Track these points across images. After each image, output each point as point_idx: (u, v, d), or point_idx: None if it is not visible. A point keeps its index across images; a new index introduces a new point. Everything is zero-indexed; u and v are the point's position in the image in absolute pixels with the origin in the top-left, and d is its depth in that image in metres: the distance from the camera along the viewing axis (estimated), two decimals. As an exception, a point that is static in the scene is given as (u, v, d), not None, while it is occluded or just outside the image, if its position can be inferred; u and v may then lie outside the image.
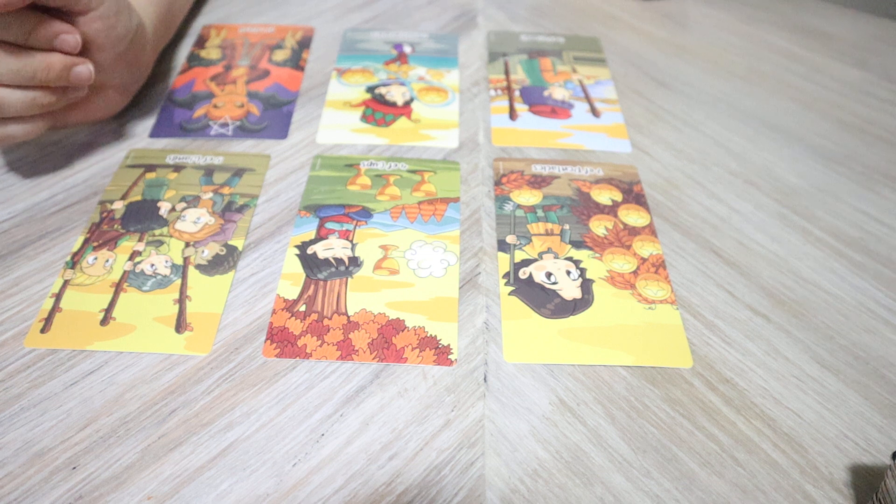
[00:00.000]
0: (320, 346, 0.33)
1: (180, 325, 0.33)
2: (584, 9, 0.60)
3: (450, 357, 0.33)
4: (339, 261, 0.37)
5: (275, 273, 0.36)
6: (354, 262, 0.37)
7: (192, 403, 0.30)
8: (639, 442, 0.30)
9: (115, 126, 0.46)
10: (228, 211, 0.40)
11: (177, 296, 0.35)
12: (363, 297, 0.35)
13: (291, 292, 0.35)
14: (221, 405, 0.30)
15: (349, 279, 0.36)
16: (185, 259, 0.37)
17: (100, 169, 0.42)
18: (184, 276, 0.36)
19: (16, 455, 0.29)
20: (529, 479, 0.28)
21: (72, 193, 0.41)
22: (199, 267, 0.36)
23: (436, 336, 0.33)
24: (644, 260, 0.37)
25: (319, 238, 0.38)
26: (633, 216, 0.40)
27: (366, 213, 0.40)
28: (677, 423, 0.30)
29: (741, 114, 0.49)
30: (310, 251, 0.37)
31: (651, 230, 0.39)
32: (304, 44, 0.55)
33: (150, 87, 0.49)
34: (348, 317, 0.34)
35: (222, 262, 0.37)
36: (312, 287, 0.35)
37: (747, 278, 0.37)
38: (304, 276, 0.36)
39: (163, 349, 0.32)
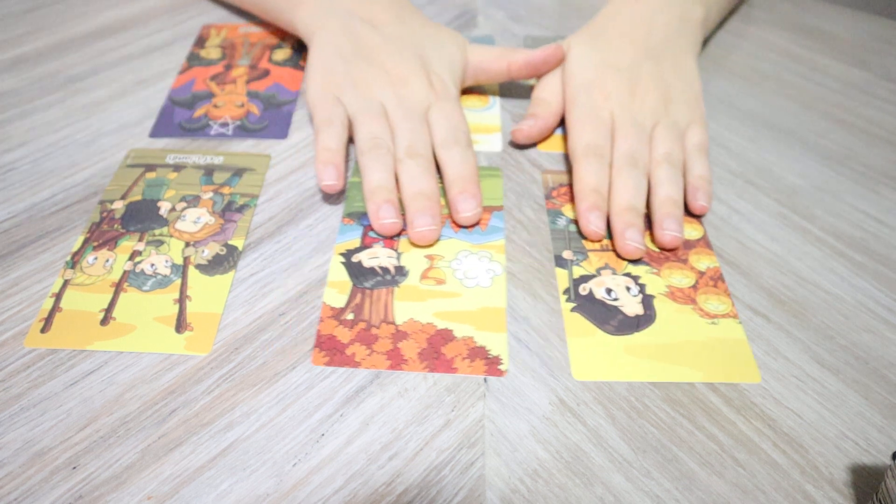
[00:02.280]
0: (369, 355, 0.32)
1: (180, 325, 0.33)
2: (585, 9, 0.60)
3: (500, 367, 0.32)
4: (385, 270, 0.36)
5: (275, 273, 0.36)
6: (400, 271, 0.36)
7: (192, 403, 0.30)
8: (639, 442, 0.30)
9: (115, 126, 0.46)
10: (228, 211, 0.40)
11: (177, 296, 0.35)
12: (410, 307, 0.35)
13: (338, 300, 0.35)
14: (221, 405, 0.30)
15: (395, 288, 0.35)
16: (185, 259, 0.37)
17: (100, 169, 0.42)
18: (184, 276, 0.36)
19: (16, 455, 0.29)
20: (529, 479, 0.28)
21: (72, 193, 0.41)
22: (199, 267, 0.36)
23: (485, 346, 0.33)
24: (702, 274, 0.37)
25: (364, 246, 0.38)
26: (687, 229, 0.39)
27: None
28: (677, 423, 0.30)
29: (741, 114, 0.49)
30: (355, 259, 0.37)
31: (706, 242, 0.38)
32: (305, 44, 0.54)
33: (150, 86, 0.49)
34: (396, 326, 0.34)
35: (222, 261, 0.37)
36: (359, 295, 0.35)
37: (747, 278, 0.37)
38: (350, 284, 0.36)
39: (163, 349, 0.32)
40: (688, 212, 0.40)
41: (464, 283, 0.36)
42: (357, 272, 0.36)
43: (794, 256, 0.38)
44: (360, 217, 0.39)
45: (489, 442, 0.30)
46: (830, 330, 0.34)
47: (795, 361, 0.33)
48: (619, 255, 0.37)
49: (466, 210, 0.38)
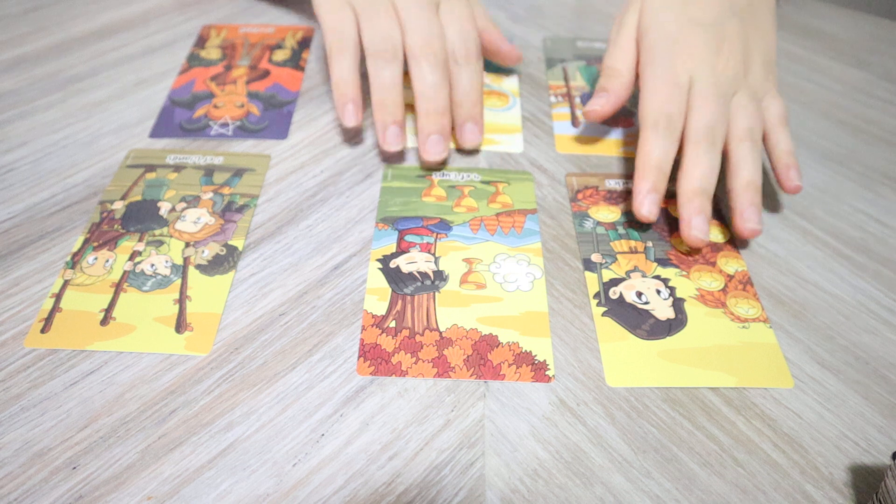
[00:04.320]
0: (415, 363, 0.32)
1: (180, 325, 0.33)
2: (585, 9, 0.60)
3: (547, 373, 0.32)
4: (424, 275, 0.36)
5: (275, 273, 0.36)
6: (440, 276, 0.36)
7: (192, 403, 0.30)
8: (639, 442, 0.30)
9: (115, 126, 0.46)
10: (228, 211, 0.40)
11: (177, 296, 0.35)
12: (453, 313, 0.34)
13: (379, 308, 0.34)
14: (221, 405, 0.30)
15: (436, 294, 0.35)
16: (185, 259, 0.37)
17: (100, 169, 0.42)
18: (184, 276, 0.36)
19: (16, 455, 0.29)
20: (529, 479, 0.28)
21: (72, 193, 0.41)
22: (199, 267, 0.36)
23: (530, 352, 0.33)
24: (731, 277, 0.36)
25: (401, 251, 0.37)
26: (714, 231, 0.39)
27: (445, 226, 0.39)
28: (677, 423, 0.30)
29: (741, 114, 0.49)
30: (392, 265, 0.36)
31: (732, 245, 0.38)
32: (305, 44, 0.55)
33: (150, 86, 0.49)
34: (440, 332, 0.33)
35: (222, 262, 0.37)
36: (400, 302, 0.35)
37: (747, 278, 0.37)
38: (389, 290, 0.35)
39: (163, 349, 0.32)
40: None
41: (504, 287, 0.35)
42: (396, 278, 0.36)
43: (794, 257, 0.38)
44: (395, 222, 0.39)
45: (489, 442, 0.30)
46: (830, 330, 0.34)
47: (795, 361, 0.33)
48: (680, 241, 0.37)
49: (471, 141, 0.42)
